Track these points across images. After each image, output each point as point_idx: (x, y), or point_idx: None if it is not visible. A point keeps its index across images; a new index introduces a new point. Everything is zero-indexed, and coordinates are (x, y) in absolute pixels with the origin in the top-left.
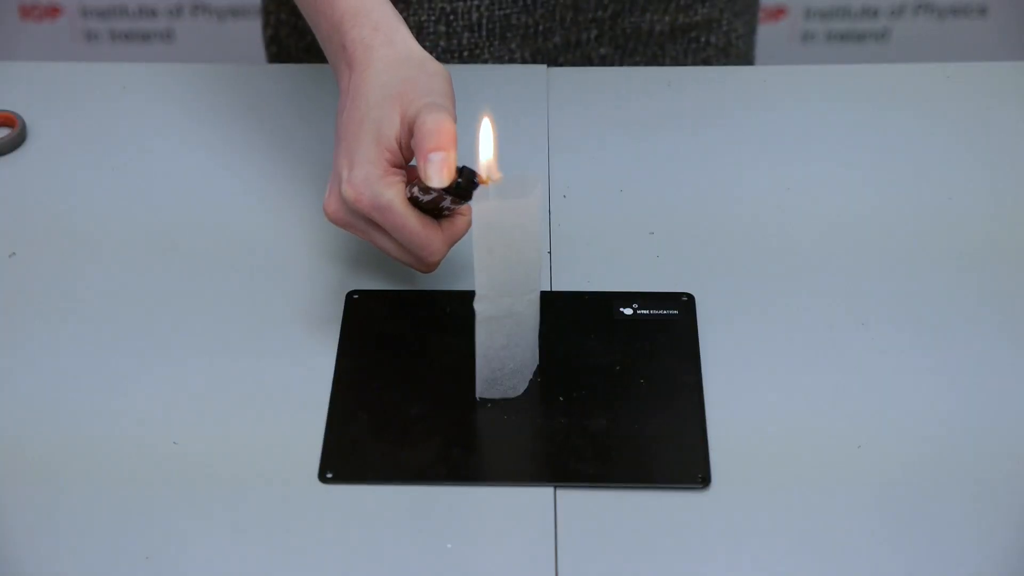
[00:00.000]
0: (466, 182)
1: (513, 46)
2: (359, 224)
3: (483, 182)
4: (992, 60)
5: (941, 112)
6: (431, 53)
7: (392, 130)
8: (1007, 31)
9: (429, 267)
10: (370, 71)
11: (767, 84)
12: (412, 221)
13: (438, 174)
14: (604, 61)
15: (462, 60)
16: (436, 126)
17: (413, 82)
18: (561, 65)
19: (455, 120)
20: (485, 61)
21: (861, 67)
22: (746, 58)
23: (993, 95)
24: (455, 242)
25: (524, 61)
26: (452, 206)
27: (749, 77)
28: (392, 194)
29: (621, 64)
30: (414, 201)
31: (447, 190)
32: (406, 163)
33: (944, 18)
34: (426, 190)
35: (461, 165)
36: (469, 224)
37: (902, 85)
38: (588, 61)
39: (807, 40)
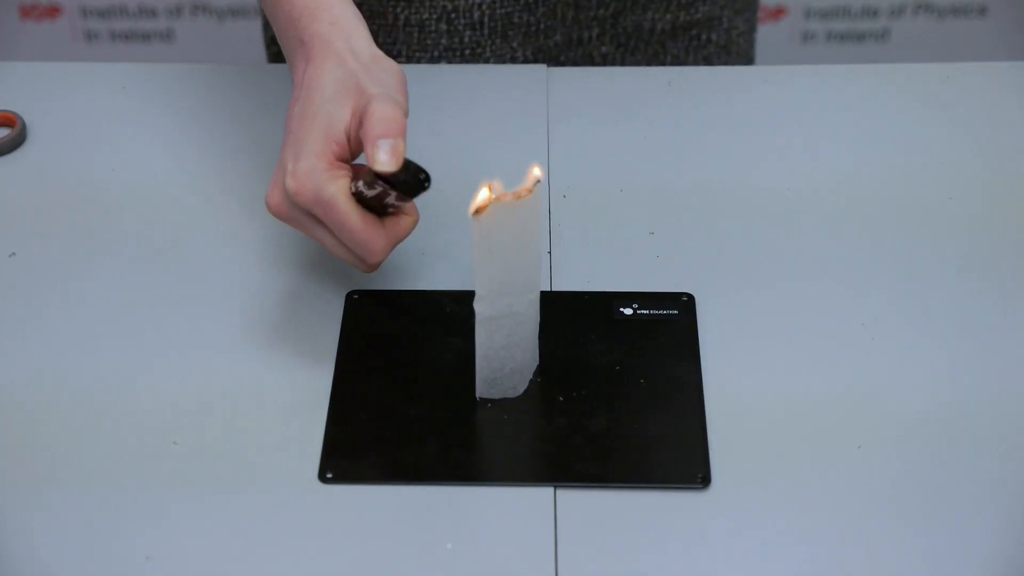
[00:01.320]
0: (412, 177)
1: (515, 44)
2: (301, 218)
3: (480, 209)
4: (992, 60)
5: (941, 112)
6: (432, 51)
7: (342, 122)
8: (1007, 31)
9: (370, 267)
10: (326, 65)
11: (767, 84)
12: (354, 218)
13: (386, 155)
14: (605, 59)
15: (463, 58)
16: (386, 114)
17: (367, 76)
18: (562, 63)
19: (407, 114)
20: (487, 59)
21: (861, 67)
22: (747, 56)
23: (993, 95)
24: (398, 242)
25: (525, 59)
26: (397, 203)
27: (749, 77)
28: (335, 188)
29: (622, 62)
30: (359, 197)
31: (392, 185)
32: (354, 156)
33: (944, 18)
34: (371, 184)
35: (408, 160)
36: (414, 224)
37: (902, 85)
38: (589, 59)
39: (807, 40)
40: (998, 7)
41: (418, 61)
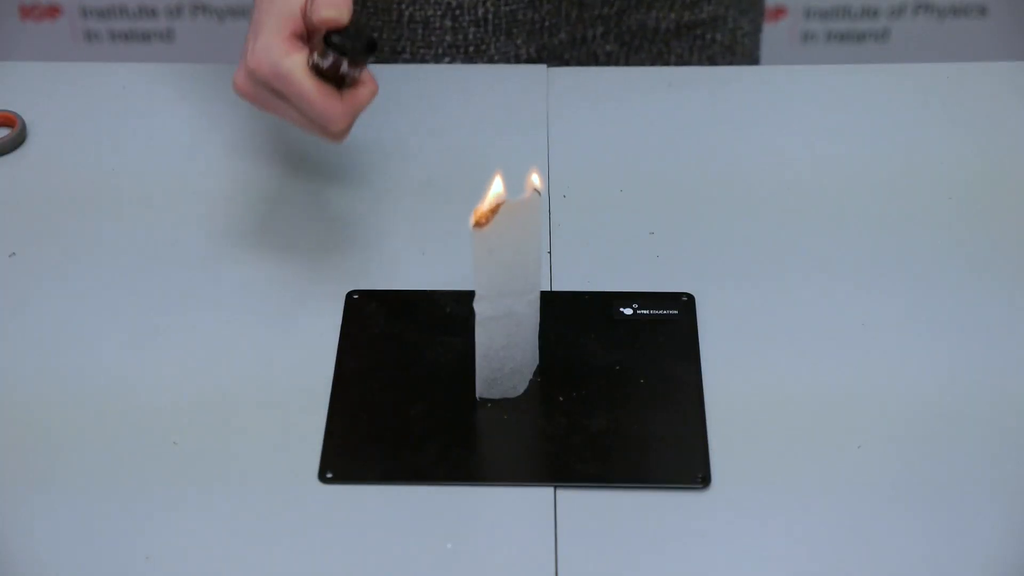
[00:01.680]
0: (359, 42)
1: (519, 42)
2: (265, 96)
3: (480, 223)
4: (992, 60)
5: (941, 112)
6: (437, 48)
7: (298, 2)
8: (1007, 31)
9: (334, 136)
10: None
11: (767, 84)
12: (310, 88)
13: (329, 8)
14: (609, 58)
15: (467, 55)
16: None
17: None
18: (566, 61)
19: None
20: (491, 56)
21: (861, 67)
22: (751, 56)
23: (993, 95)
24: (358, 112)
25: (529, 57)
26: (351, 71)
27: (749, 77)
28: (290, 62)
29: (626, 61)
30: (316, 69)
31: (342, 52)
32: (312, 36)
33: (944, 18)
34: (323, 54)
35: (354, 23)
36: (372, 95)
37: (902, 85)
38: (593, 58)
39: (807, 40)
40: (998, 7)
41: (422, 58)
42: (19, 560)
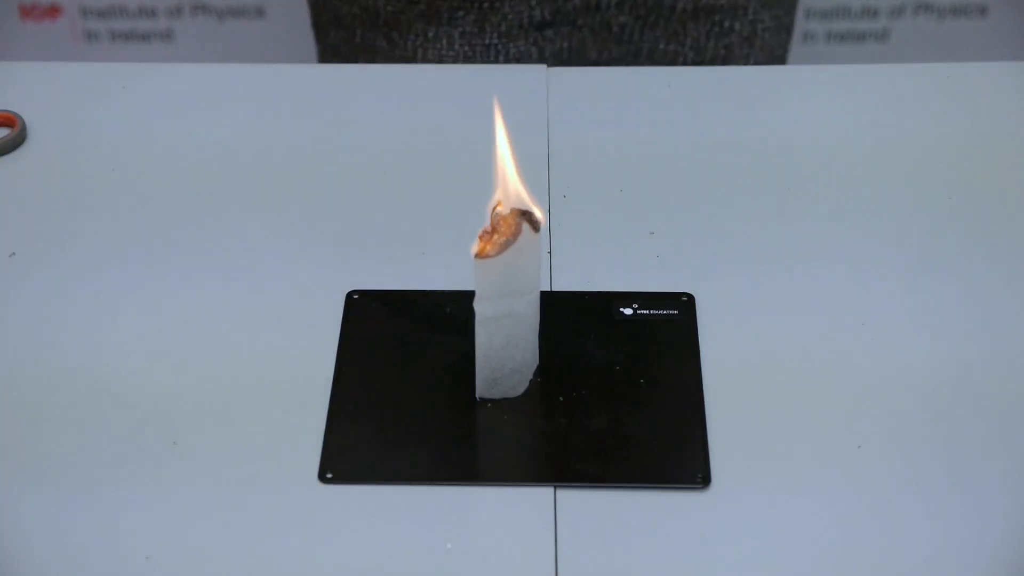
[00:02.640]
0: None
1: (533, 3)
2: None
3: (481, 253)
4: (992, 60)
5: (941, 112)
6: (451, 0)
7: None
8: (1007, 31)
9: None
10: None
11: (766, 84)
12: None
13: None
14: (623, 30)
15: (481, 11)
16: None
17: None
18: (580, 27)
19: None
20: (504, 15)
21: (861, 67)
22: (771, 52)
23: (993, 95)
24: None
25: (543, 18)
26: None
27: (748, 77)
28: None
29: (640, 36)
30: None
31: None
32: None
33: (944, 18)
34: None
35: None
36: None
37: (902, 85)
38: (607, 27)
39: (807, 40)
40: (998, 7)
41: (437, 10)
42: (18, 560)
